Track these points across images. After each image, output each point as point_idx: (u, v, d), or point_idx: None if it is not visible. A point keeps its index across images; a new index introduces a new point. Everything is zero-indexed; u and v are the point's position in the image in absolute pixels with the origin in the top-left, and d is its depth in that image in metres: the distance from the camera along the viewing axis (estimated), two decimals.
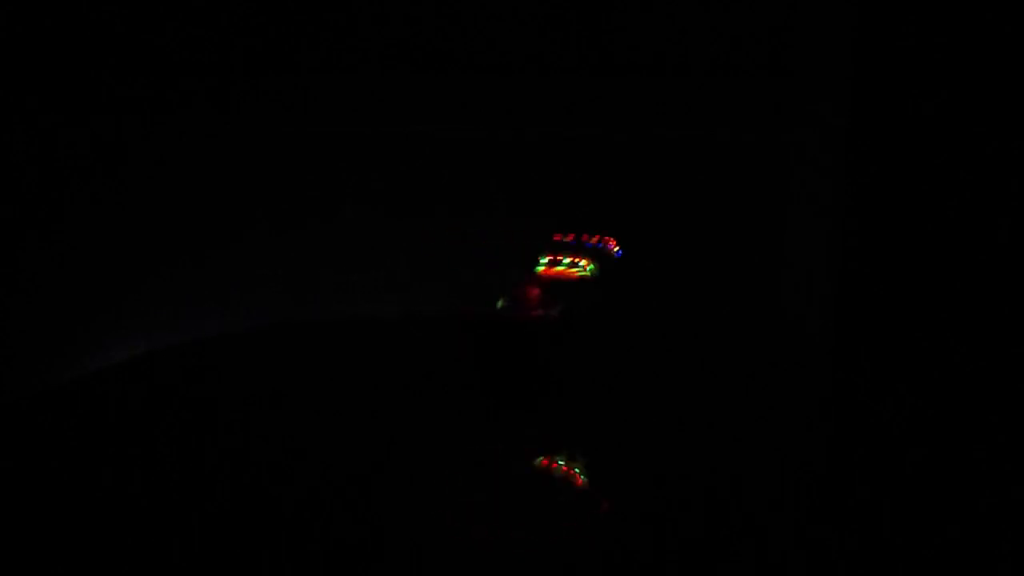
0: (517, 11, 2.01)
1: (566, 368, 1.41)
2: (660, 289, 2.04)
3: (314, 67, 2.04)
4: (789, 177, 1.95)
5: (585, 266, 1.39)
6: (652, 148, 2.03)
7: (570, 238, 1.40)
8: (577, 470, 1.18)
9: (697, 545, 0.98)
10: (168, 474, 1.12)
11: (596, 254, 1.40)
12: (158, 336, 1.96)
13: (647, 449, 1.21)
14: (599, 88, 2.03)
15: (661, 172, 2.03)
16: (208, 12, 2.02)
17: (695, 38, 1.99)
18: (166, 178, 2.07)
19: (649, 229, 2.04)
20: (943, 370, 1.56)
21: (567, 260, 1.40)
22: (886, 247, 1.64)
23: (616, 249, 1.42)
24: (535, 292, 1.33)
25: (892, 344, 1.61)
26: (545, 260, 1.38)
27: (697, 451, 1.21)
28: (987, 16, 1.54)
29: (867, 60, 1.67)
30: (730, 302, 2.01)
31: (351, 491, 1.09)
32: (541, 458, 1.20)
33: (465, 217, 2.02)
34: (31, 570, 0.94)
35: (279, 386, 1.43)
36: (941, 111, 1.58)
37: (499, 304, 1.34)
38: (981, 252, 1.55)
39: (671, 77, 2.00)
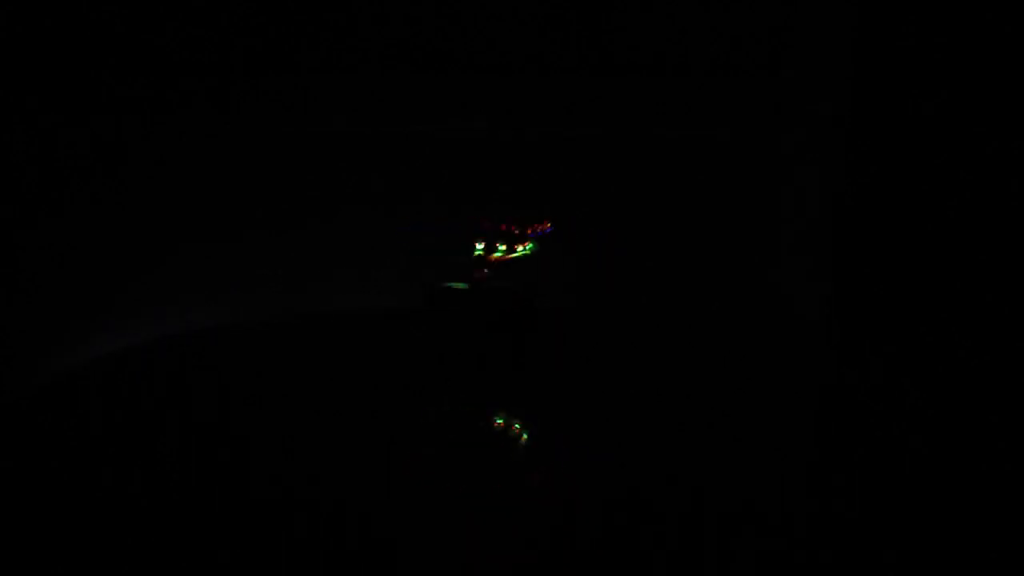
0: (517, 11, 2.01)
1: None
2: (661, 286, 2.04)
3: (314, 67, 2.04)
4: (789, 177, 1.95)
5: (523, 248, 1.48)
6: (652, 148, 2.03)
7: (502, 227, 1.49)
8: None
9: (692, 542, 0.98)
10: (169, 470, 1.12)
11: (521, 239, 1.49)
12: (155, 333, 1.96)
13: (641, 443, 1.21)
14: (599, 88, 2.03)
15: (661, 172, 2.03)
16: (208, 12, 2.02)
17: (695, 38, 1.99)
18: (166, 178, 2.07)
19: (649, 228, 2.04)
20: (944, 366, 1.56)
21: (503, 247, 1.48)
22: (886, 245, 1.64)
23: (547, 228, 1.49)
24: (482, 274, 1.45)
25: (893, 341, 1.61)
26: (481, 247, 1.48)
27: (694, 445, 1.21)
28: (987, 16, 1.54)
29: (867, 60, 1.67)
30: (730, 298, 2.01)
31: (350, 482, 1.09)
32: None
33: (465, 215, 2.02)
34: (32, 570, 0.94)
35: (279, 379, 1.43)
36: (941, 111, 1.58)
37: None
38: (980, 252, 1.55)
39: (671, 77, 2.00)
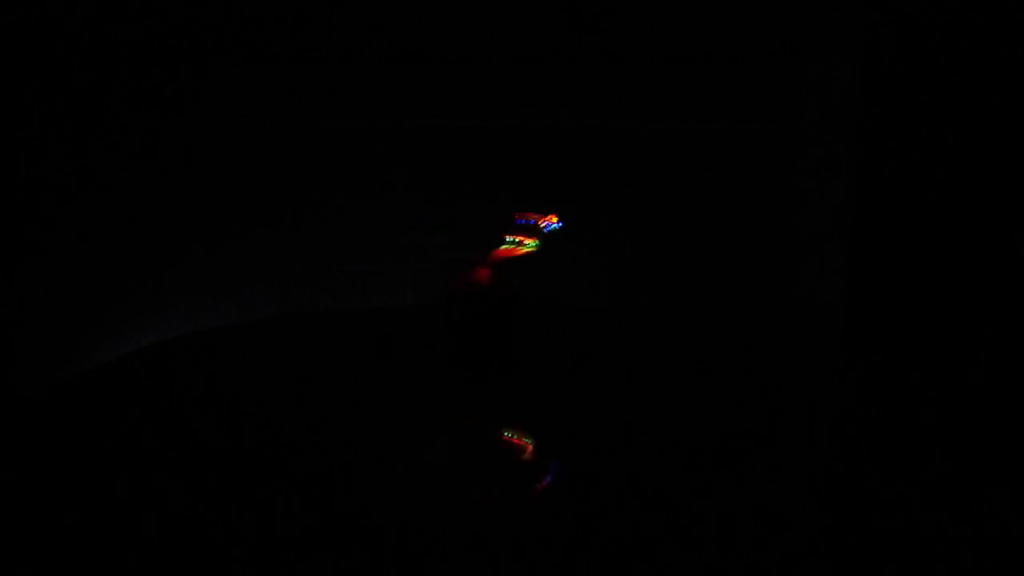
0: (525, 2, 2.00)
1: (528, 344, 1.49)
2: (673, 279, 2.04)
3: (313, 62, 2.03)
4: (800, 169, 1.94)
5: (529, 242, 1.45)
6: (659, 139, 2.02)
7: (515, 217, 1.46)
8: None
9: (708, 547, 0.97)
10: (173, 468, 1.11)
11: (534, 231, 1.46)
12: (156, 331, 1.96)
13: (653, 438, 1.20)
14: (605, 78, 2.02)
15: (669, 162, 2.02)
16: (208, 12, 2.01)
17: (704, 28, 1.98)
18: (166, 177, 2.06)
19: (658, 222, 2.03)
20: (958, 368, 1.55)
21: (511, 239, 1.46)
22: (896, 238, 1.63)
23: (553, 223, 1.46)
24: (484, 273, 1.42)
25: (904, 336, 1.60)
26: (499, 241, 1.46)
27: (704, 449, 1.20)
28: (993, 9, 1.52)
29: (877, 50, 1.65)
30: (741, 294, 2.00)
31: (349, 477, 1.09)
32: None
33: (472, 207, 2.02)
34: (34, 570, 0.93)
35: (280, 376, 1.43)
36: (952, 99, 1.56)
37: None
38: (996, 250, 1.54)
39: (679, 66, 1.99)
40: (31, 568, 0.93)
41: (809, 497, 1.11)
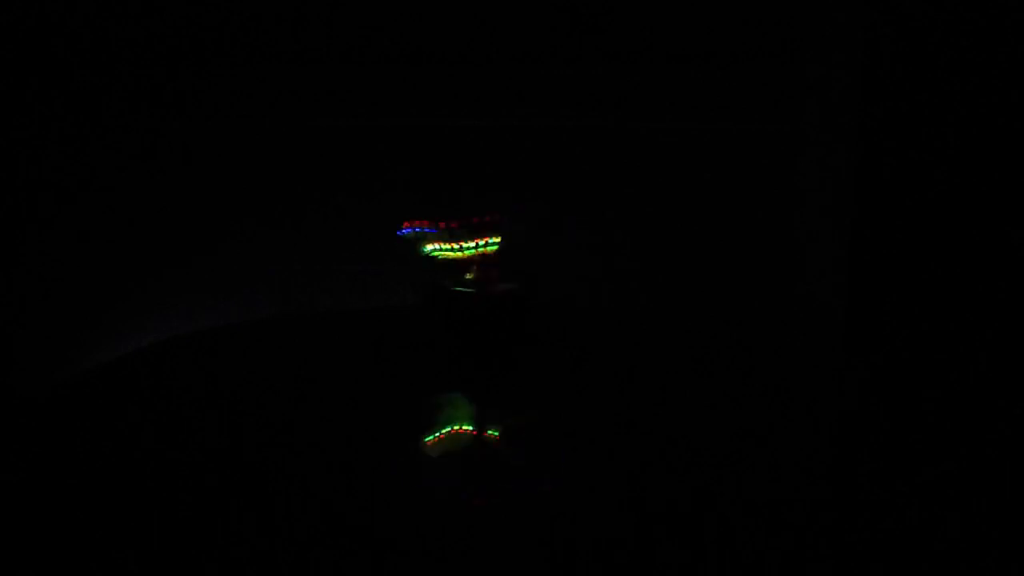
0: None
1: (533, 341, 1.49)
2: (673, 279, 2.03)
3: (314, 62, 2.03)
4: (800, 169, 1.93)
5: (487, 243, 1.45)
6: (659, 139, 2.02)
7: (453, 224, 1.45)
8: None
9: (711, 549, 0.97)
10: (173, 468, 1.11)
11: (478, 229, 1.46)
12: (156, 331, 1.95)
13: (653, 438, 1.20)
14: (605, 78, 2.01)
15: (669, 162, 2.02)
16: (208, 12, 2.00)
17: (704, 28, 1.97)
18: (166, 177, 2.06)
19: (656, 220, 2.03)
20: (954, 363, 1.54)
21: (469, 244, 1.45)
22: (896, 238, 1.62)
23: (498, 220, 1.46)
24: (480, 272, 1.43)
25: (904, 336, 1.60)
26: (446, 247, 1.45)
27: (703, 443, 1.19)
28: (993, 9, 1.52)
29: (877, 50, 1.65)
30: (741, 291, 1.99)
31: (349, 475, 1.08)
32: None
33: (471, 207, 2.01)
34: (34, 570, 0.93)
35: (280, 376, 1.42)
36: (952, 99, 1.56)
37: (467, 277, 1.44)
38: (987, 248, 1.53)
39: (679, 66, 1.99)
40: (31, 568, 0.92)
41: (809, 497, 1.10)
